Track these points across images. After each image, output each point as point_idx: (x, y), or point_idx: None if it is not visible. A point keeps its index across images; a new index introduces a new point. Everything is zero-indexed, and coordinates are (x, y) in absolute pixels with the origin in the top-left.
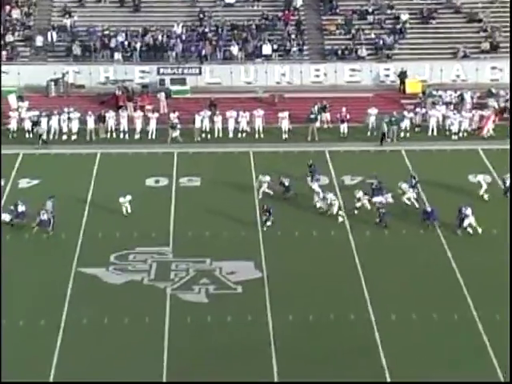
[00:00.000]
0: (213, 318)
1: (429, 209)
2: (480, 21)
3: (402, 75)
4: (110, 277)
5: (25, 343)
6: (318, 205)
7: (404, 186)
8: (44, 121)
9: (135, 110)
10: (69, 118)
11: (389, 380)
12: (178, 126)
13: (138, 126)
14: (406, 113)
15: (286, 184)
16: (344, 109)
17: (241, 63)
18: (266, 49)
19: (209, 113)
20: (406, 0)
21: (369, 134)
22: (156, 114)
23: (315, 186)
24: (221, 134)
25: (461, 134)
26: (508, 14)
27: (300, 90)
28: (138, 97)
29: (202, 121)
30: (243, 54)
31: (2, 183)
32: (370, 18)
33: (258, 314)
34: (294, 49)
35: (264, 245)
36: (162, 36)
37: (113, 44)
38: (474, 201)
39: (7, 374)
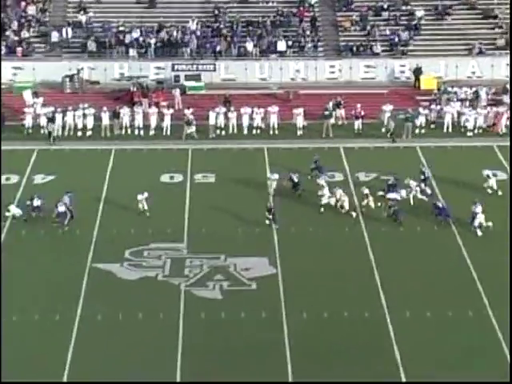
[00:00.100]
0: (227, 314)
1: (440, 204)
2: (495, 17)
3: (417, 72)
4: (124, 273)
5: (40, 338)
6: (324, 201)
7: (412, 182)
8: (59, 117)
9: (150, 106)
10: (84, 114)
11: (403, 378)
12: (194, 122)
13: (153, 122)
14: (421, 109)
15: (296, 180)
16: (359, 105)
17: (255, 59)
18: (281, 45)
19: (223, 109)
20: None
21: (383, 130)
22: (171, 111)
23: (322, 182)
24: (235, 131)
25: (476, 131)
26: None
27: (315, 86)
28: (153, 93)
29: (216, 117)
30: (258, 51)
31: (17, 179)
32: (385, 15)
33: (272, 311)
34: (309, 45)
35: (278, 241)
36: (177, 32)
37: (128, 40)
38: (489, 197)
39: (21, 368)
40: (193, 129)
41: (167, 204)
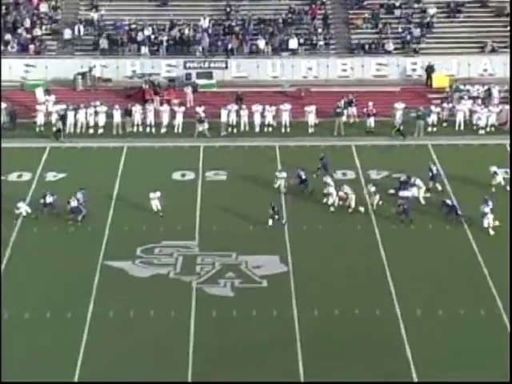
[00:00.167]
0: (238, 312)
1: (449, 202)
2: (508, 15)
3: (429, 69)
4: (136, 270)
5: (51, 335)
6: (331, 200)
7: (418, 181)
8: (71, 114)
9: (162, 103)
10: (95, 112)
11: (415, 376)
12: (207, 119)
13: (165, 119)
14: (433, 107)
15: (303, 177)
16: (371, 103)
17: (267, 57)
18: (293, 43)
19: (235, 107)
20: None
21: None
22: (182, 108)
23: (328, 180)
24: (247, 128)
25: (488, 129)
26: None
27: (326, 84)
28: (165, 91)
29: (228, 115)
30: (270, 48)
31: (29, 177)
32: (397, 12)
33: (283, 309)
34: (321, 43)
35: (289, 239)
36: (189, 30)
37: (140, 38)
38: (497, 194)
39: (33, 365)
40: (205, 126)
41: (179, 201)
